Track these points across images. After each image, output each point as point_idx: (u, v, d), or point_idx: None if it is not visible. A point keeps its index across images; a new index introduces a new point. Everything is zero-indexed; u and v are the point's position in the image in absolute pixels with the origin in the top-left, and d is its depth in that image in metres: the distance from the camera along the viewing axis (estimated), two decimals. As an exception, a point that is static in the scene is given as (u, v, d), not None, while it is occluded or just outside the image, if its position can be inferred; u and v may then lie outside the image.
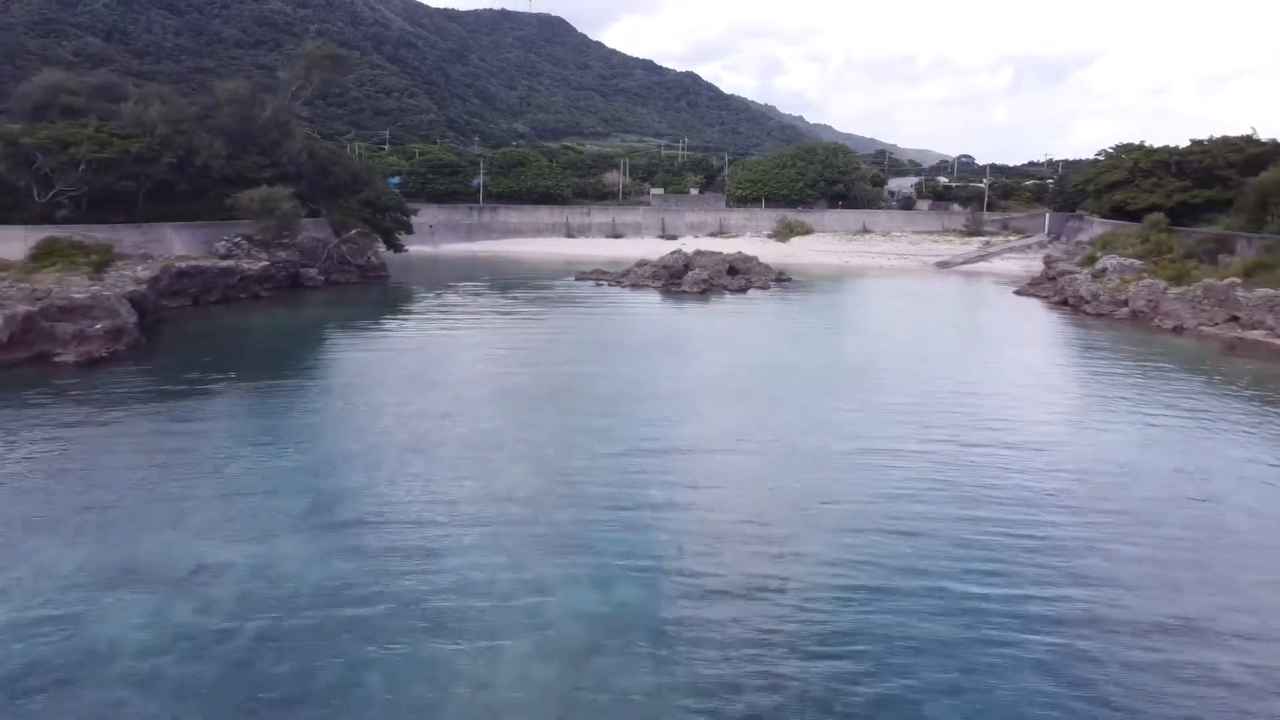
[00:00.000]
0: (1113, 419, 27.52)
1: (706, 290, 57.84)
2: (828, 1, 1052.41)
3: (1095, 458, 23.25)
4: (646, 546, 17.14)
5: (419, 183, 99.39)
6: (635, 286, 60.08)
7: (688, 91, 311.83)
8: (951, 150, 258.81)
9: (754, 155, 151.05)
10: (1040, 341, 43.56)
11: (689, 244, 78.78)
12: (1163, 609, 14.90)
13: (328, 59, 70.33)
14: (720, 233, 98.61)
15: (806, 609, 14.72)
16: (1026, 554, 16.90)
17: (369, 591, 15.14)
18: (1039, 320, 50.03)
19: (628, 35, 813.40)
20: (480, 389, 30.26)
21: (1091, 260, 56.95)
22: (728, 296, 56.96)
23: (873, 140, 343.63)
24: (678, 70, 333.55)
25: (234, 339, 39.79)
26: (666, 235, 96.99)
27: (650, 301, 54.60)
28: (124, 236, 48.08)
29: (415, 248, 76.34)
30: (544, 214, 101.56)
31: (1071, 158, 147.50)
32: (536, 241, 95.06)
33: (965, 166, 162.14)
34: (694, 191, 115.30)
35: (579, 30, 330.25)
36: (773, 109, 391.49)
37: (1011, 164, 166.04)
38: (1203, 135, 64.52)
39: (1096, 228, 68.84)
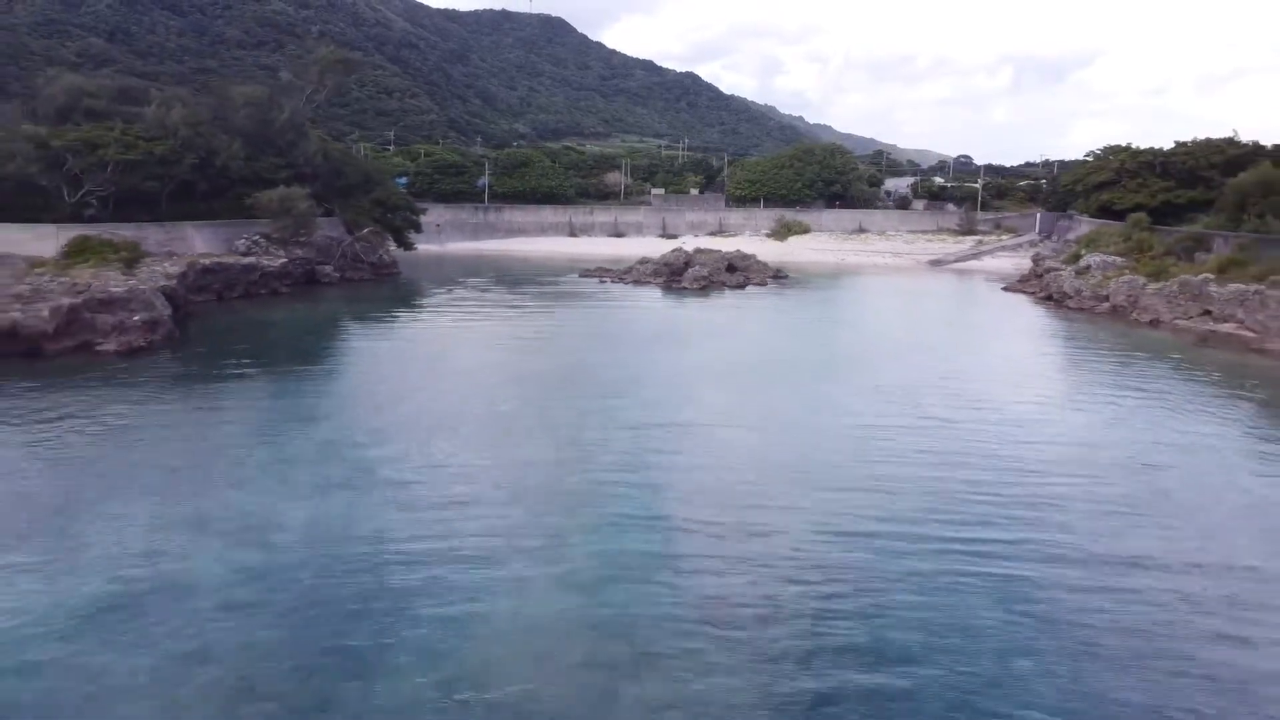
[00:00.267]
0: (1084, 400, 29.86)
1: (706, 287, 60.09)
2: (828, 1, 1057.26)
3: (1064, 432, 25.62)
4: (656, 501, 19.45)
5: (425, 183, 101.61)
6: (637, 283, 62.33)
7: (688, 92, 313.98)
8: (951, 150, 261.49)
9: (754, 155, 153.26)
10: (1023, 333, 45.86)
11: (689, 243, 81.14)
12: (1105, 547, 17.28)
13: (340, 63, 72.67)
14: (720, 232, 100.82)
15: (798, 548, 17.00)
16: (993, 507, 19.28)
17: (413, 533, 17.45)
18: (1024, 314, 52.33)
19: (628, 35, 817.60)
20: (495, 375, 32.49)
21: (1076, 258, 59.26)
22: (727, 293, 59.23)
23: (872, 140, 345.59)
24: (678, 70, 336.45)
25: (261, 331, 42.07)
26: (667, 234, 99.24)
27: (652, 297, 56.84)
28: (149, 235, 50.24)
29: (423, 247, 78.58)
30: (548, 213, 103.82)
31: (1069, 158, 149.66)
32: (541, 240, 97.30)
33: (962, 167, 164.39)
34: (694, 192, 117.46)
35: (579, 30, 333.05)
36: (773, 109, 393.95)
37: (1010, 164, 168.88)
38: (1202, 135, 66.47)
39: (1084, 227, 70.90)
